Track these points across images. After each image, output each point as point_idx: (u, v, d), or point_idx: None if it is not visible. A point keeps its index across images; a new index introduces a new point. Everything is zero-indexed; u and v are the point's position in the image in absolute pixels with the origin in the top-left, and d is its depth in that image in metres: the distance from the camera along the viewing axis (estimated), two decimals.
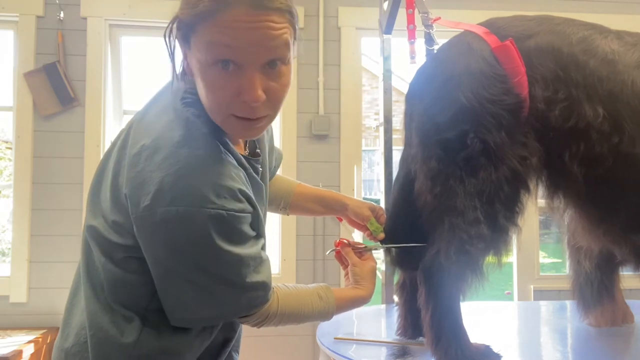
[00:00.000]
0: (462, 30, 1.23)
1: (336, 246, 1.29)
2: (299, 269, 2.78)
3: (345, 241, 1.27)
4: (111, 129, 2.77)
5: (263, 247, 0.99)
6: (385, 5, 1.89)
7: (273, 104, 0.91)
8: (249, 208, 0.92)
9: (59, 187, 2.65)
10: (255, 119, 0.91)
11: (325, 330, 1.41)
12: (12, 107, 2.67)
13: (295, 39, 0.92)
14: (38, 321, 2.58)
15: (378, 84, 2.06)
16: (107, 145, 2.69)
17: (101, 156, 2.64)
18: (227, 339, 1.07)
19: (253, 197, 0.94)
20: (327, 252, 1.31)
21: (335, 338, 1.34)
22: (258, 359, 2.70)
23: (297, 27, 0.91)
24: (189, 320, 0.95)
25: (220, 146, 0.93)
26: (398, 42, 2.12)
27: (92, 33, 2.70)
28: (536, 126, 1.11)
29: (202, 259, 0.89)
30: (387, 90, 1.94)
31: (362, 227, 1.33)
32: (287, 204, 1.32)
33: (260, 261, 0.96)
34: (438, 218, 1.13)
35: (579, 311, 1.49)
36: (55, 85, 2.63)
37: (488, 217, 1.09)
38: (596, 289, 1.44)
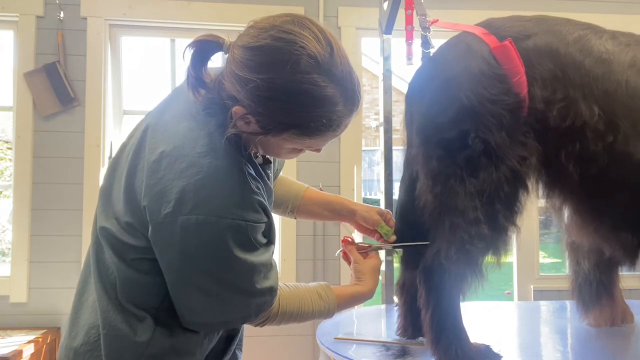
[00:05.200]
0: (460, 31, 1.23)
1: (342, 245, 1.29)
2: (299, 269, 2.78)
3: (349, 239, 1.28)
4: (111, 129, 2.76)
5: (272, 253, 1.01)
6: (385, 5, 1.89)
7: None
8: (265, 218, 0.95)
9: (59, 187, 2.64)
10: None
11: (325, 330, 1.41)
12: (12, 107, 2.67)
13: None
14: (38, 321, 2.57)
15: (378, 84, 2.06)
16: (107, 145, 2.70)
17: (101, 156, 2.65)
18: (230, 337, 1.08)
19: (269, 208, 0.97)
20: (336, 253, 1.31)
21: (335, 338, 1.34)
22: (258, 359, 2.70)
23: None
24: (199, 324, 0.96)
25: (242, 157, 0.94)
26: (398, 42, 2.12)
27: (92, 33, 2.69)
28: (535, 126, 1.12)
29: (217, 266, 0.90)
30: (387, 90, 1.94)
31: (371, 232, 1.33)
32: (295, 207, 1.32)
33: (270, 267, 0.98)
34: (439, 218, 1.13)
35: (578, 311, 1.49)
36: (55, 85, 2.63)
37: (488, 216, 1.09)
38: (595, 288, 1.45)
